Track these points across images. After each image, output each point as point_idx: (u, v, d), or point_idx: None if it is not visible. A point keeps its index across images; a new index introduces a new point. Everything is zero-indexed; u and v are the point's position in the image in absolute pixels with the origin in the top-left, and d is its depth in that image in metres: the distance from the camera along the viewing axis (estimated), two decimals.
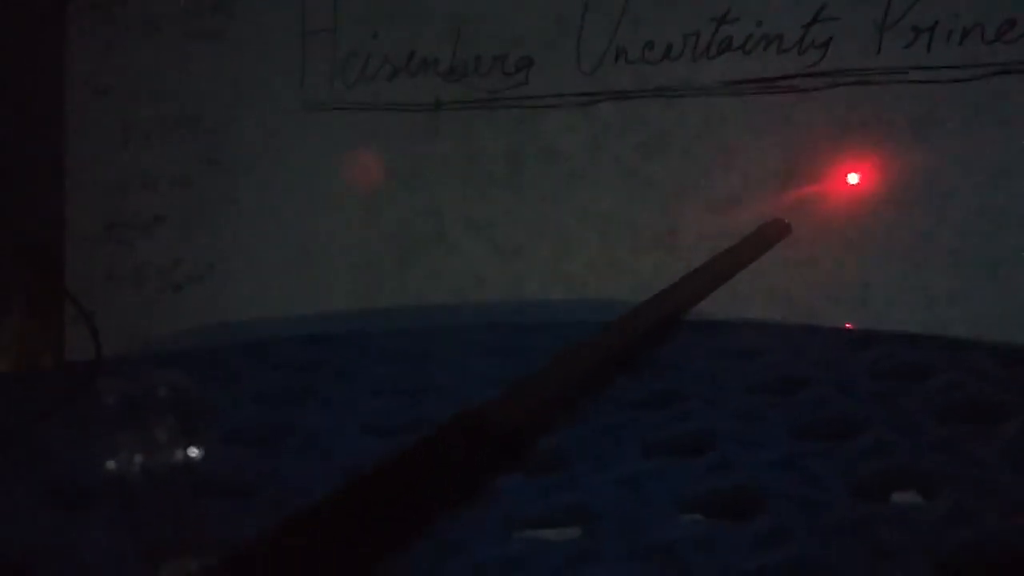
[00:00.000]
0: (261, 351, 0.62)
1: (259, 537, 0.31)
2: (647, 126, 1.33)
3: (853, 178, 1.22)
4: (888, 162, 1.20)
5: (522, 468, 0.41)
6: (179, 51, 1.62)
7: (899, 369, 0.50)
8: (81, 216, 1.70)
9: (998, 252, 1.14)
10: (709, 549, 0.34)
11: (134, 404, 0.40)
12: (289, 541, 0.31)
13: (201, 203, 1.62)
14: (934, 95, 1.17)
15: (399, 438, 0.41)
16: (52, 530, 0.39)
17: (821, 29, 1.22)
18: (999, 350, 0.52)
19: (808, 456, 0.40)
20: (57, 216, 1.70)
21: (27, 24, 1.67)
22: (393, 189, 1.48)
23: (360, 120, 1.51)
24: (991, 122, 1.15)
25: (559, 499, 0.38)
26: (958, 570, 0.33)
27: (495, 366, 0.55)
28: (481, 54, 1.42)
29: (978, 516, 0.35)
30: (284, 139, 1.56)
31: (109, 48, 1.68)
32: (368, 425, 0.48)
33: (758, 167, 1.26)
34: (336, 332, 0.66)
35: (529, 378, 0.44)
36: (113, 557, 0.37)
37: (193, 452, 0.39)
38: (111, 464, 0.37)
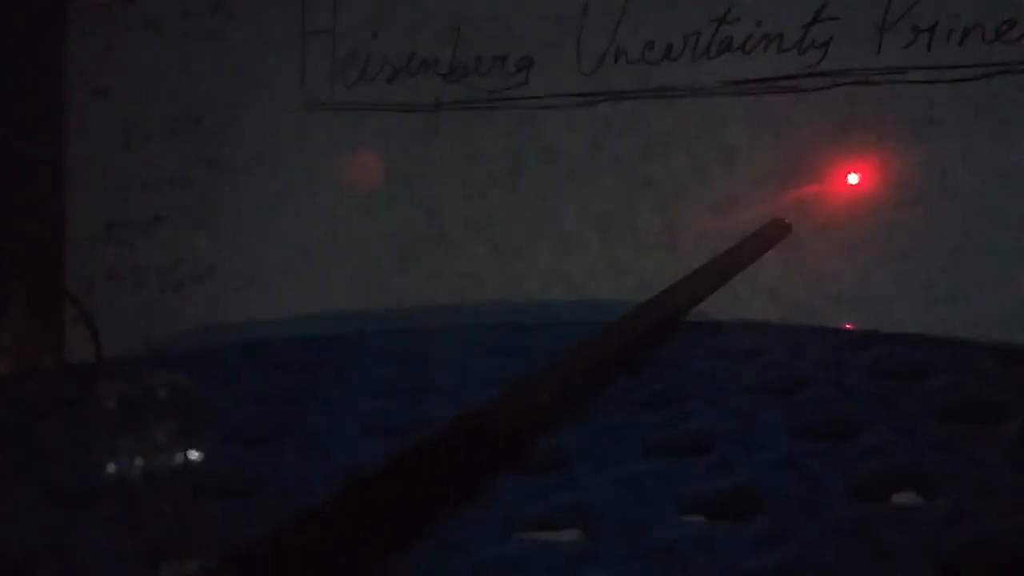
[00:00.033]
0: (261, 351, 0.62)
1: (260, 537, 0.31)
2: (647, 126, 1.33)
3: (853, 178, 1.22)
4: (888, 162, 1.20)
5: (522, 468, 0.41)
6: (179, 51, 1.62)
7: (899, 369, 0.50)
8: (81, 216, 1.70)
9: (998, 252, 1.14)
10: (709, 549, 0.34)
11: (134, 404, 0.40)
12: (289, 541, 0.31)
13: (201, 203, 1.62)
14: (934, 95, 1.17)
15: (399, 438, 0.41)
16: (52, 530, 0.39)
17: (821, 29, 1.22)
18: (999, 350, 0.52)
19: (808, 456, 0.40)
20: (57, 216, 1.70)
21: (27, 24, 1.67)
22: (393, 189, 1.48)
23: (360, 120, 1.51)
24: (991, 122, 1.15)
25: (559, 499, 0.38)
26: (958, 570, 0.33)
27: (495, 366, 0.55)
28: (481, 54, 1.42)
29: (978, 516, 0.35)
30: (284, 139, 1.56)
31: (109, 48, 1.68)
32: (368, 425, 0.48)
33: (758, 167, 1.26)
34: (336, 332, 0.66)
35: (529, 378, 0.44)
36: (113, 557, 0.37)
37: (193, 453, 0.39)
38: (111, 464, 0.38)
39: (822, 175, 1.23)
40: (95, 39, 1.68)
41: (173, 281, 1.64)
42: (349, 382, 0.55)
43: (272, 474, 0.43)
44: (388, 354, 0.59)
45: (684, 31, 1.30)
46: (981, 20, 1.14)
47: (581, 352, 0.48)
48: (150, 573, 0.36)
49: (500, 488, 0.39)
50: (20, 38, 1.65)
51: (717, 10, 1.27)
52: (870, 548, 0.34)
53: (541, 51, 1.39)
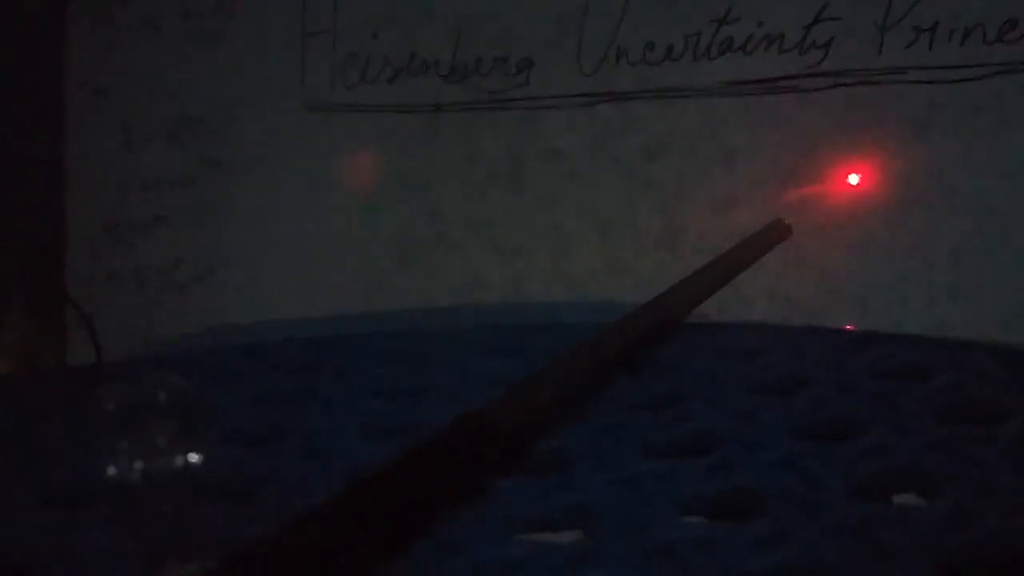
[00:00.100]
0: (261, 352, 0.62)
1: (260, 537, 0.31)
2: (648, 127, 1.33)
3: (854, 178, 1.22)
4: (889, 162, 1.20)
5: (522, 469, 0.41)
6: (179, 51, 1.62)
7: (899, 369, 0.50)
8: (81, 216, 1.70)
9: (998, 252, 1.14)
10: (709, 550, 0.34)
11: (134, 405, 0.40)
12: (289, 541, 0.31)
13: (201, 204, 1.62)
14: (935, 95, 1.17)
15: (399, 439, 0.41)
16: (52, 530, 0.39)
17: (822, 29, 1.22)
18: (999, 350, 0.52)
19: (808, 456, 0.40)
20: (57, 216, 1.70)
21: (27, 24, 1.67)
22: (393, 190, 1.48)
23: (361, 121, 1.51)
24: (992, 122, 1.15)
25: (559, 500, 0.38)
26: (958, 570, 0.33)
27: (495, 367, 0.55)
28: (482, 55, 1.42)
29: (978, 516, 0.35)
30: (285, 140, 1.56)
31: (109, 48, 1.68)
32: (368, 426, 0.48)
33: (759, 167, 1.26)
34: (336, 333, 0.66)
35: (529, 379, 0.44)
36: (113, 557, 0.37)
37: (193, 454, 0.39)
38: (111, 465, 0.38)
39: (822, 175, 1.23)
40: (95, 39, 1.68)
41: (173, 282, 1.64)
42: (349, 382, 0.55)
43: (272, 474, 0.43)
44: (388, 354, 0.59)
45: (685, 31, 1.30)
46: (982, 20, 1.14)
47: (581, 352, 0.49)
48: (150, 573, 0.36)
49: (500, 488, 0.39)
50: (20, 38, 1.65)
51: (718, 10, 1.27)
52: (870, 548, 0.34)
53: (542, 52, 1.39)
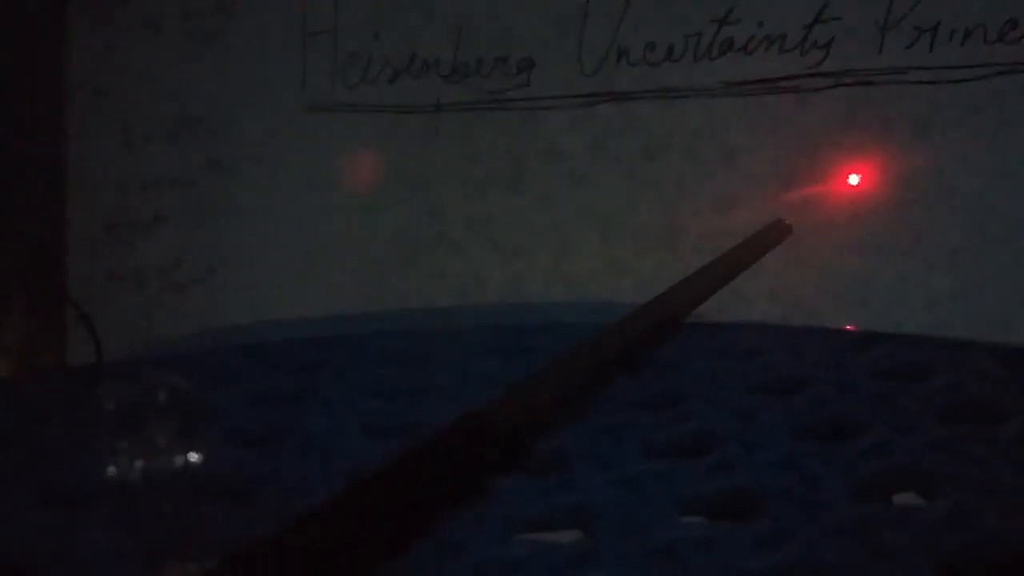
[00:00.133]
0: (261, 352, 0.62)
1: (260, 537, 0.31)
2: (648, 127, 1.33)
3: (854, 179, 1.22)
4: (889, 162, 1.20)
5: (522, 469, 0.41)
6: (179, 51, 1.62)
7: (899, 369, 0.50)
8: (82, 217, 1.70)
9: (998, 252, 1.14)
10: (709, 550, 0.34)
11: (134, 405, 0.40)
12: (289, 541, 0.31)
13: (201, 204, 1.62)
14: (936, 95, 1.17)
15: (399, 439, 0.41)
16: (52, 530, 0.39)
17: (823, 29, 1.22)
18: (999, 350, 0.52)
19: (808, 456, 0.40)
20: (57, 216, 1.70)
21: (27, 24, 1.67)
22: (394, 190, 1.48)
23: (361, 121, 1.51)
24: (992, 122, 1.15)
25: (559, 500, 0.38)
26: (958, 570, 0.33)
27: (496, 367, 0.55)
28: (482, 55, 1.42)
29: (978, 516, 0.35)
30: (285, 140, 1.56)
31: (109, 48, 1.68)
32: (368, 426, 0.48)
33: (759, 168, 1.26)
34: (336, 333, 0.66)
35: (529, 379, 0.44)
36: (113, 557, 0.37)
37: (193, 454, 0.39)
38: (111, 465, 0.38)
39: (823, 175, 1.23)
40: (95, 39, 1.68)
41: (174, 282, 1.64)
42: (349, 382, 0.55)
43: (272, 474, 0.43)
44: (388, 354, 0.59)
45: (685, 32, 1.30)
46: (983, 20, 1.14)
47: (581, 352, 0.48)
48: (150, 573, 0.36)
49: (500, 488, 0.39)
50: (20, 38, 1.65)
51: (718, 11, 1.28)
52: (870, 548, 0.34)
53: (542, 52, 1.39)
